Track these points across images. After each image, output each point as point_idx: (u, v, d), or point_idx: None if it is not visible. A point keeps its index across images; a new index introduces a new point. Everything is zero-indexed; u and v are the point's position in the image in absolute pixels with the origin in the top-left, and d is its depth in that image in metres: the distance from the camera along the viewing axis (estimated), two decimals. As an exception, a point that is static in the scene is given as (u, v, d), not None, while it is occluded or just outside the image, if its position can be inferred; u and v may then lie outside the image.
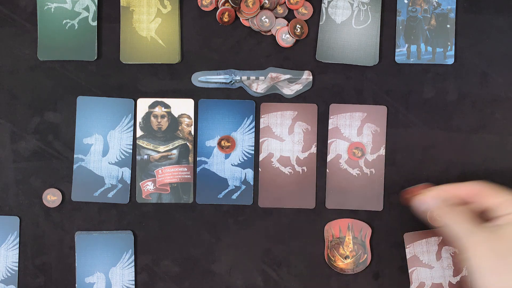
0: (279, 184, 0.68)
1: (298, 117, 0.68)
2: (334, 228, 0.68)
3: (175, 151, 0.68)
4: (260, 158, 0.68)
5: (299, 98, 0.68)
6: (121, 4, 0.68)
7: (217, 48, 0.69)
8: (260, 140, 0.68)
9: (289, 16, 0.69)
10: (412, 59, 0.68)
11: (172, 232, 0.68)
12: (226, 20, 0.67)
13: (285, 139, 0.69)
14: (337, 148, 0.68)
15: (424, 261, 0.68)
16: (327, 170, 0.68)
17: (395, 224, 0.68)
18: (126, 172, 0.68)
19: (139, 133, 0.68)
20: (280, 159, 0.68)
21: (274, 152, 0.69)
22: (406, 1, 0.68)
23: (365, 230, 0.68)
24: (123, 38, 0.68)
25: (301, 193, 0.67)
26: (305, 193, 0.68)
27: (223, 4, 0.67)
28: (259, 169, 0.68)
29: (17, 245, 0.68)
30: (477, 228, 0.54)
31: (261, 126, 0.68)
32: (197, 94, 0.68)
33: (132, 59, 0.68)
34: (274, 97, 0.69)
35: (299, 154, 0.68)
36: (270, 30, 0.68)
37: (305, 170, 0.68)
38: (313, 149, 0.69)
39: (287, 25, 0.68)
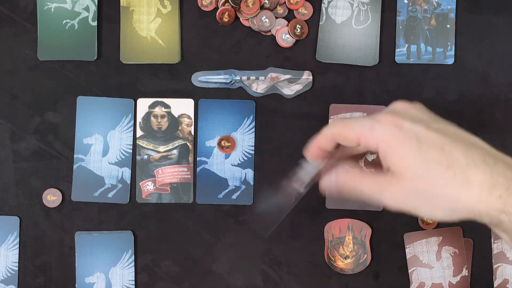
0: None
1: None
2: (334, 228, 0.68)
3: (175, 151, 0.68)
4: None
5: (299, 98, 0.68)
6: (121, 4, 0.68)
7: (217, 48, 0.68)
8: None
9: (289, 16, 0.69)
10: (412, 59, 0.68)
11: (172, 232, 0.68)
12: (226, 20, 0.67)
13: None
14: (337, 148, 0.68)
15: (424, 261, 0.68)
16: (327, 170, 0.68)
17: (395, 224, 0.68)
18: (126, 172, 0.68)
19: (139, 133, 0.68)
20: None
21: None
22: (406, 1, 0.68)
23: (365, 230, 0.68)
24: (123, 38, 0.68)
25: (301, 193, 0.67)
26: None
27: (223, 4, 0.67)
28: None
29: (17, 245, 0.68)
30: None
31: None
32: (197, 94, 0.68)
33: (132, 59, 0.68)
34: (274, 97, 0.68)
35: (299, 154, 0.68)
36: (270, 30, 0.68)
37: (305, 170, 0.68)
38: (313, 149, 0.68)
39: (287, 25, 0.68)
